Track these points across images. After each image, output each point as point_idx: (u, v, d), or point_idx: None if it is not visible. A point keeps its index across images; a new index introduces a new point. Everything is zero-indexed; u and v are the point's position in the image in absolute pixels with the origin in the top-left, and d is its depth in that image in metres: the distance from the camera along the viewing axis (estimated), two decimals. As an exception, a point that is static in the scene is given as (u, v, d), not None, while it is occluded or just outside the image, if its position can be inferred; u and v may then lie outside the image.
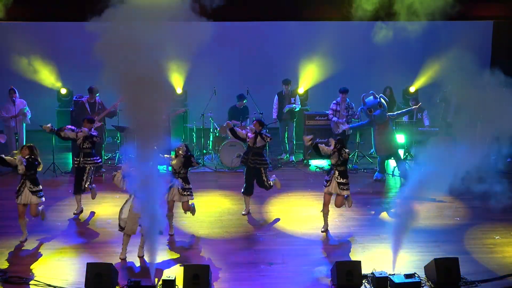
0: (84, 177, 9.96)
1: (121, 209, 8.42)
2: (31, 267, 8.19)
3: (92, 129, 10.08)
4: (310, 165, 13.30)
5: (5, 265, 8.20)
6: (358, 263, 7.78)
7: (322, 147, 9.33)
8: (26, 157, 8.69)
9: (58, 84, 14.83)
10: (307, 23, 14.66)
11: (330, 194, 9.37)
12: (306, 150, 13.37)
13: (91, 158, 10.01)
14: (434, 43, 14.30)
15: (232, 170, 12.67)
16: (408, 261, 8.38)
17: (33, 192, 8.76)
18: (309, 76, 14.75)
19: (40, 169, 8.94)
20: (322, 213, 9.51)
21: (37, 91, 14.46)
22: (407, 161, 12.66)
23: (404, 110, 12.84)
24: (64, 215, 10.08)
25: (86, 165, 9.97)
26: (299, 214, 10.30)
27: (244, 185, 10.15)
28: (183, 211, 9.40)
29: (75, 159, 10.18)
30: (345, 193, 9.28)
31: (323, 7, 12.94)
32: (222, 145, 12.71)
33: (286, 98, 13.44)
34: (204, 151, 13.57)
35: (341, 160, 9.17)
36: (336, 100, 13.06)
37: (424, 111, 13.19)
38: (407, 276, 7.70)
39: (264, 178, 10.09)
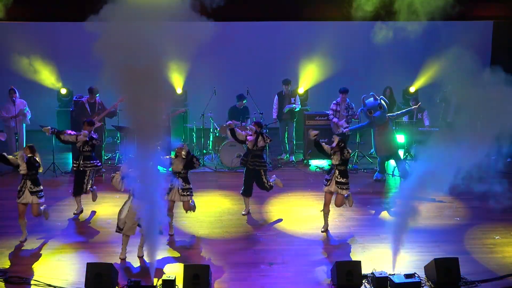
0: (85, 180, 9.97)
1: (120, 210, 8.42)
2: (31, 267, 8.19)
3: (92, 131, 10.07)
4: (310, 165, 13.31)
5: (5, 265, 8.20)
6: (358, 263, 7.78)
7: (323, 145, 9.37)
8: (28, 155, 8.72)
9: (58, 84, 14.84)
10: (307, 23, 14.66)
11: (331, 193, 9.37)
12: (306, 150, 13.38)
13: (91, 162, 10.01)
14: (434, 43, 14.29)
15: (232, 170, 12.68)
16: (408, 261, 8.37)
17: (33, 192, 8.76)
18: (309, 76, 14.76)
19: (40, 170, 8.95)
20: (322, 213, 9.52)
21: (37, 91, 14.46)
22: (407, 161, 12.66)
23: (404, 110, 12.84)
24: (64, 215, 10.08)
25: (87, 169, 9.98)
26: (299, 214, 10.30)
27: (243, 187, 10.17)
28: (183, 211, 9.40)
29: (75, 162, 10.18)
30: (345, 192, 9.29)
31: (323, 7, 12.94)
32: (222, 145, 12.71)
33: (286, 98, 13.45)
34: (204, 151, 13.58)
35: (342, 160, 9.18)
36: (336, 100, 13.07)
37: (424, 111, 13.20)
38: (407, 276, 7.70)
39: (264, 180, 10.09)
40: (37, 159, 8.80)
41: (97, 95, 12.53)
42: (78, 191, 10.03)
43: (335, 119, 12.95)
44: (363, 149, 13.62)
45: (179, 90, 14.39)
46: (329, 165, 9.65)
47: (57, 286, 7.63)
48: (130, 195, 8.34)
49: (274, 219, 10.11)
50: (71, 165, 12.30)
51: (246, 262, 8.46)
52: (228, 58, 15.50)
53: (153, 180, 7.70)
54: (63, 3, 12.57)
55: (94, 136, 10.06)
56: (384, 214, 10.33)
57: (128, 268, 8.21)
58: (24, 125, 12.78)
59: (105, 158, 13.12)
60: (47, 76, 14.74)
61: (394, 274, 7.83)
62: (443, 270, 7.72)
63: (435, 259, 7.79)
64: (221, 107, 13.74)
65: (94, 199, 10.21)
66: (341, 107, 13.00)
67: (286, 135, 13.66)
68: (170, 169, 9.24)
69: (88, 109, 12.44)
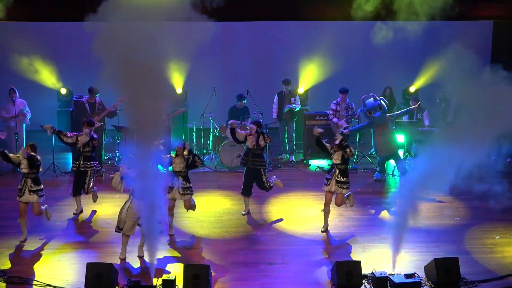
0: (87, 180, 9.97)
1: (121, 210, 8.43)
2: (31, 267, 8.18)
3: (91, 131, 10.06)
4: (310, 165, 13.30)
5: (5, 265, 8.20)
6: (358, 263, 7.78)
7: (325, 143, 9.39)
8: (30, 154, 8.73)
9: (58, 84, 14.84)
10: (307, 23, 14.67)
11: (331, 192, 9.37)
12: (306, 150, 13.38)
13: (92, 162, 10.01)
14: (434, 43, 14.29)
15: (232, 170, 12.67)
16: (408, 261, 8.37)
17: (34, 191, 8.77)
18: (309, 76, 14.76)
19: (40, 169, 8.94)
20: (323, 213, 9.51)
21: (37, 91, 14.46)
22: (406, 160, 12.66)
23: (403, 110, 12.85)
24: (64, 215, 10.08)
25: (87, 169, 9.98)
26: (299, 214, 10.30)
27: (243, 186, 10.17)
28: (183, 211, 9.40)
29: (75, 162, 10.18)
30: (345, 191, 9.29)
31: (323, 7, 12.93)
32: (222, 145, 12.71)
33: (286, 98, 13.45)
34: (204, 151, 13.57)
35: (344, 159, 9.19)
36: (336, 100, 13.07)
37: (424, 111, 13.19)
38: (407, 276, 7.69)
39: (263, 179, 10.09)
40: (38, 157, 8.81)
41: (97, 95, 12.53)
42: (77, 191, 10.04)
43: (335, 119, 12.95)
44: (363, 149, 13.62)
45: (179, 90, 14.38)
46: (329, 165, 9.65)
47: (57, 286, 7.63)
48: (130, 195, 8.35)
49: (274, 219, 10.11)
50: (71, 165, 12.31)
51: (246, 262, 8.46)
52: (228, 58, 15.50)
53: (152, 179, 7.70)
54: (63, 3, 12.57)
55: (94, 136, 10.06)
56: (384, 214, 10.33)
57: (128, 268, 8.21)
58: (24, 125, 12.78)
59: (105, 158, 13.12)
60: (47, 76, 14.74)
61: (394, 274, 7.82)
62: (443, 270, 7.71)
63: (435, 259, 7.79)
64: (221, 107, 13.75)
65: (94, 199, 10.21)
66: (341, 107, 13.00)
67: (286, 135, 13.66)
68: (170, 168, 9.25)
69: (88, 109, 12.44)
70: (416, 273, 7.80)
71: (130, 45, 7.15)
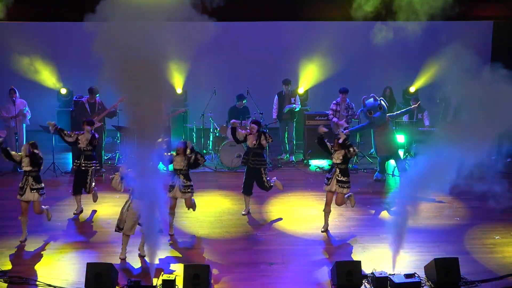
0: (88, 180, 9.98)
1: (122, 210, 8.43)
2: (32, 267, 8.18)
3: (92, 130, 10.07)
4: (310, 165, 13.31)
5: (5, 265, 8.19)
6: (358, 263, 7.78)
7: (326, 142, 9.40)
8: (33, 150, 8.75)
9: (58, 84, 14.83)
10: (307, 23, 14.65)
11: (332, 192, 9.36)
12: (306, 150, 13.38)
13: (92, 161, 10.02)
14: (434, 43, 14.27)
15: (232, 170, 12.68)
16: (408, 261, 8.37)
17: (35, 190, 8.77)
18: (309, 76, 14.76)
19: (41, 167, 8.96)
20: (324, 212, 9.51)
21: (37, 91, 14.45)
22: (406, 160, 12.66)
23: (403, 110, 12.84)
24: (64, 215, 10.08)
25: (88, 168, 9.98)
26: (299, 214, 10.30)
27: (243, 185, 10.17)
28: (182, 211, 9.39)
29: (76, 161, 10.19)
30: (346, 191, 9.29)
31: (323, 7, 12.94)
32: (222, 145, 12.71)
33: (286, 98, 13.45)
34: (204, 151, 13.57)
35: (345, 158, 9.19)
36: (336, 100, 13.07)
37: (424, 111, 13.20)
38: (407, 276, 7.69)
39: (264, 178, 10.09)
40: (40, 155, 8.83)
41: (97, 95, 12.53)
42: (78, 190, 10.04)
43: (335, 119, 12.95)
44: (363, 149, 13.62)
45: (179, 90, 14.38)
46: (329, 165, 9.65)
47: (57, 286, 7.63)
48: (130, 195, 8.35)
49: (274, 219, 10.11)
50: (71, 165, 12.31)
51: (246, 262, 8.46)
52: (228, 58, 15.48)
53: (153, 179, 7.70)
54: (63, 3, 12.57)
55: (95, 135, 10.06)
56: (384, 214, 10.33)
57: (128, 268, 8.21)
58: (24, 125, 12.79)
59: (105, 158, 13.12)
60: (47, 76, 14.73)
61: (394, 274, 7.83)
62: (443, 270, 7.71)
63: (435, 259, 7.79)
64: (221, 107, 13.74)
65: (95, 200, 10.21)
66: (341, 107, 13.00)
67: (286, 135, 13.66)
68: (170, 167, 9.25)
69: (88, 109, 12.44)
70: (416, 273, 7.80)
71: (130, 45, 7.15)
